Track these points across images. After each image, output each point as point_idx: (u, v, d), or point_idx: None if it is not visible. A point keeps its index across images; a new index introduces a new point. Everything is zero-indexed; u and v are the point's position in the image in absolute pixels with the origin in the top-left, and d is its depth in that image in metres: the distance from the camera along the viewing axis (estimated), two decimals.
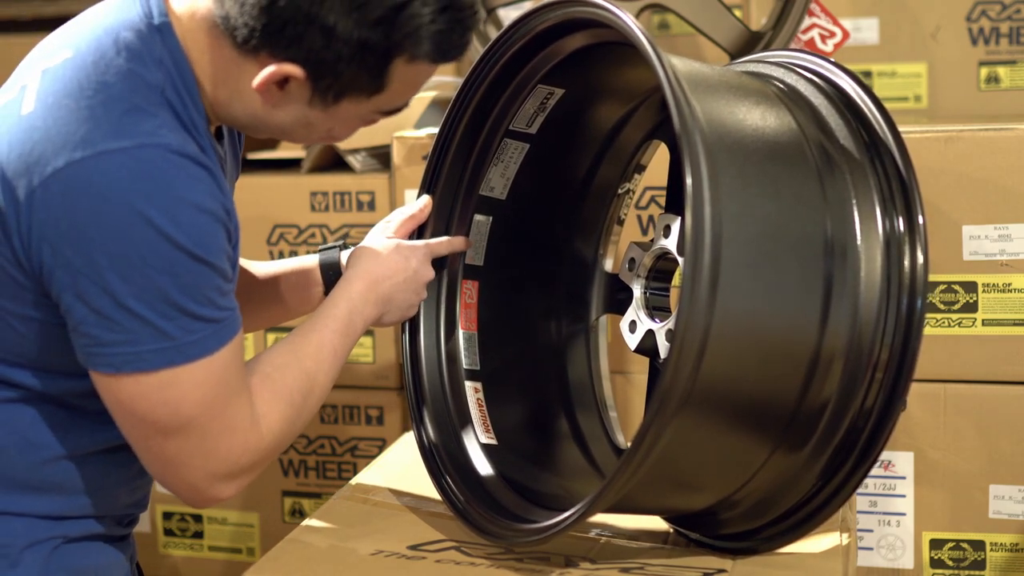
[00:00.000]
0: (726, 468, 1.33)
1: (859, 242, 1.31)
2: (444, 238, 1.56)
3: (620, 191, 1.63)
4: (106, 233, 1.18)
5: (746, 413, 1.28)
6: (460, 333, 1.58)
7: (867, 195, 1.33)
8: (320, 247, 1.60)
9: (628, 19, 1.27)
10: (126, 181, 1.18)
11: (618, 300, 1.60)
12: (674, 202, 1.51)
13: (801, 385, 1.28)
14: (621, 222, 1.65)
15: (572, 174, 1.61)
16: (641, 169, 1.62)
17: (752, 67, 1.46)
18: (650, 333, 1.48)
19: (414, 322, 1.57)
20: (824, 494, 1.34)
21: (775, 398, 1.29)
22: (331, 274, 1.57)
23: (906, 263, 1.31)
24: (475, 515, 1.42)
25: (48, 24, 2.64)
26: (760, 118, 1.31)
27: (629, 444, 1.51)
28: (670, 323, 1.45)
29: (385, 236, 1.52)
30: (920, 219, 1.32)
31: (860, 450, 1.32)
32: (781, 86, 1.41)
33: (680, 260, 1.43)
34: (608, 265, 1.64)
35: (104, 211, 1.17)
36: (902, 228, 1.32)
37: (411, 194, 2.02)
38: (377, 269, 1.47)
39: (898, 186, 1.34)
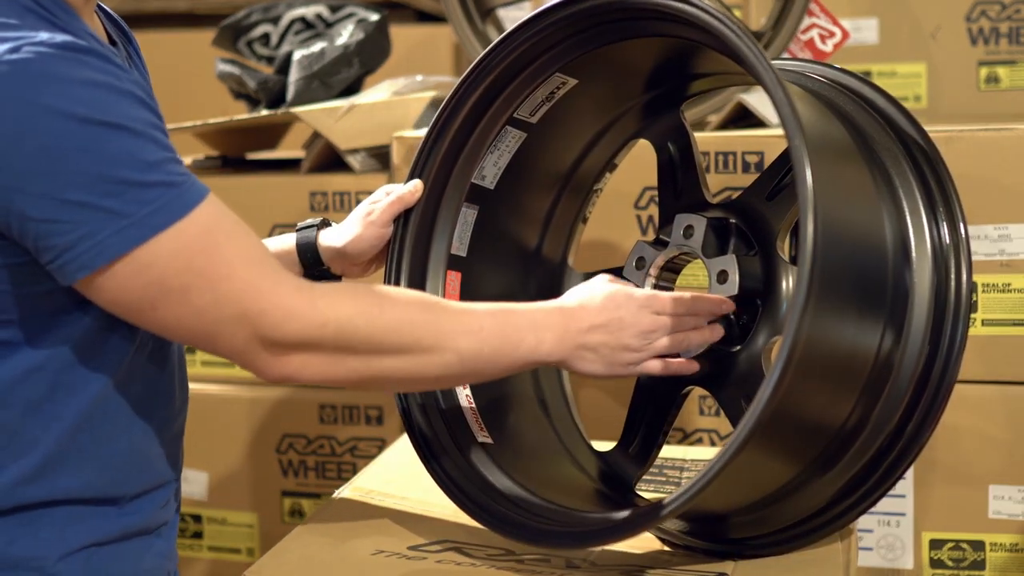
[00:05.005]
0: (759, 484, 1.31)
1: (914, 255, 1.29)
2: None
3: (595, 188, 1.62)
4: (10, 137, 1.15)
5: (797, 430, 1.26)
6: None
7: (915, 205, 1.31)
8: (299, 225, 1.55)
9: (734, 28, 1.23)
10: (9, 82, 1.15)
11: None
12: (674, 202, 1.50)
13: (851, 404, 1.27)
14: (585, 220, 1.63)
15: (555, 169, 1.59)
16: (614, 168, 1.61)
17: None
18: None
19: None
20: (838, 509, 1.33)
21: (825, 417, 1.27)
22: (308, 256, 1.52)
23: (952, 280, 1.30)
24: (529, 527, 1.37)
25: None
26: (822, 118, 1.28)
27: (617, 442, 1.51)
28: None
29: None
30: (963, 231, 1.31)
31: (884, 469, 1.31)
32: (815, 88, 1.39)
33: (705, 262, 1.41)
34: (571, 261, 1.62)
35: (1, 118, 1.14)
36: (948, 240, 1.31)
37: None
38: (577, 308, 1.36)
39: (940, 195, 1.32)
